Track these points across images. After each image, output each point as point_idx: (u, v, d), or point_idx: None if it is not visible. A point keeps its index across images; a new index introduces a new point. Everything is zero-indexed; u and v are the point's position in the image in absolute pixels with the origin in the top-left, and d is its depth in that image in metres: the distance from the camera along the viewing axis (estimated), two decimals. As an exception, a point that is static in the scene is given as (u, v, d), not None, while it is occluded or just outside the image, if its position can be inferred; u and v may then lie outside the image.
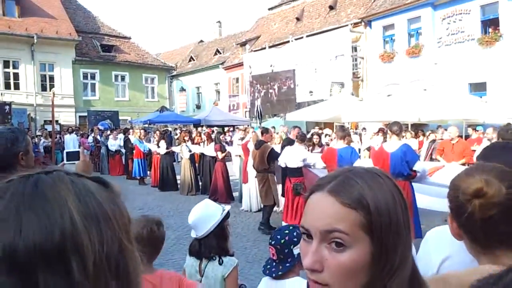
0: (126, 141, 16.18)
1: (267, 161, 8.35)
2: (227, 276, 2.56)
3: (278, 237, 2.17)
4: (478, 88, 18.07)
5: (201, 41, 43.39)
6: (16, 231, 0.56)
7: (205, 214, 2.62)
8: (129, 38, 33.35)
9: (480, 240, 1.09)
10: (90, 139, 19.11)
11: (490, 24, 17.96)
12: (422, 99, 13.10)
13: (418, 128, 15.22)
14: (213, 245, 2.57)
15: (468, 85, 18.42)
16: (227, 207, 2.77)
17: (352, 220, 0.77)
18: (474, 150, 8.51)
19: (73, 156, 3.04)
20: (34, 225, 0.57)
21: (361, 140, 15.53)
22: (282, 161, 7.81)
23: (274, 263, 2.18)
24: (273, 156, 8.32)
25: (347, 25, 23.05)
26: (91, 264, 0.58)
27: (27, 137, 2.51)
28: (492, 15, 17.80)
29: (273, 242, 2.18)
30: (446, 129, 12.12)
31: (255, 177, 8.84)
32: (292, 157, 7.57)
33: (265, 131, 8.89)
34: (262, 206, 9.01)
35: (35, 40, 25.44)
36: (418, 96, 13.35)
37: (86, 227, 0.59)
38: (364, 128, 17.51)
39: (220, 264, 2.56)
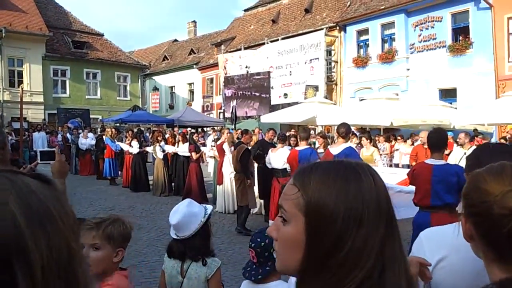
0: (99, 140, 15.84)
1: (239, 161, 8.36)
2: (210, 277, 2.50)
3: (258, 239, 2.11)
4: (448, 94, 18.53)
5: (176, 40, 43.01)
6: None
7: (190, 214, 2.53)
8: (102, 35, 32.74)
9: (501, 250, 0.99)
10: (59, 137, 18.63)
11: (461, 32, 18.45)
12: (394, 104, 13.33)
13: (390, 133, 15.47)
14: (198, 245, 2.50)
15: (439, 91, 18.88)
16: (210, 207, 2.70)
17: (292, 199, 0.85)
18: (447, 155, 8.67)
19: (48, 155, 2.87)
20: None
21: (333, 143, 15.63)
22: (267, 163, 7.88)
23: (254, 266, 2.12)
24: (245, 157, 8.34)
25: (322, 28, 23.27)
26: (39, 271, 0.52)
27: (3, 131, 2.40)
28: (462, 23, 18.29)
29: (253, 245, 2.11)
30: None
31: (234, 177, 8.82)
32: (277, 158, 7.67)
33: (244, 132, 8.91)
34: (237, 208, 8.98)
35: (3, 34, 24.67)
36: (391, 101, 13.58)
37: (32, 231, 0.53)
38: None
39: (204, 265, 2.50)
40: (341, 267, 0.79)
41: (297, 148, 7.28)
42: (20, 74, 26.51)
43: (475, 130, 12.26)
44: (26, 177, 0.60)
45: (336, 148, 6.04)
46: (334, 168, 0.87)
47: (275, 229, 0.90)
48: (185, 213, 2.52)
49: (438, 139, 4.28)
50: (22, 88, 14.92)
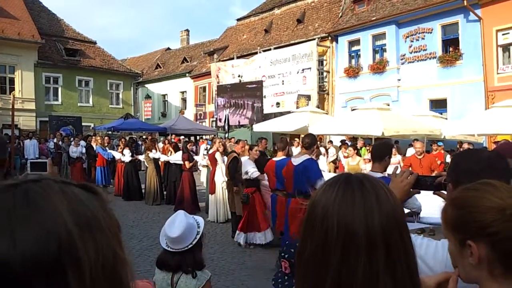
0: (88, 148, 15.76)
1: (228, 169, 8.47)
2: None
3: (292, 250, 2.11)
4: (439, 104, 18.73)
5: (168, 48, 43.10)
6: (10, 243, 0.55)
7: (190, 226, 2.56)
8: (95, 42, 32.69)
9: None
10: (51, 144, 18.51)
11: (451, 43, 18.69)
12: (385, 114, 13.45)
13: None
14: (196, 258, 2.53)
15: (429, 102, 19.07)
16: (200, 218, 2.72)
17: None
18: (442, 163, 8.74)
19: (39, 166, 2.80)
20: (29, 237, 0.56)
21: (327, 152, 15.73)
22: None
23: (286, 277, 2.11)
24: (232, 166, 8.44)
25: (314, 39, 23.46)
26: (88, 276, 0.58)
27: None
28: (452, 35, 18.53)
29: (286, 256, 2.12)
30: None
31: (226, 184, 8.95)
32: (243, 168, 7.86)
33: (237, 141, 9.05)
34: (229, 217, 9.08)
35: (-5, 41, 24.59)
36: (382, 111, 13.70)
37: (82, 238, 0.59)
38: (330, 141, 17.76)
39: (194, 277, 2.51)
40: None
41: (274, 159, 7.07)
42: (12, 81, 26.37)
43: (460, 142, 12.44)
44: (74, 187, 0.65)
45: (297, 159, 5.92)
46: (336, 184, 0.94)
47: None
48: (184, 226, 2.54)
49: (382, 149, 4.13)
50: (13, 95, 14.78)
